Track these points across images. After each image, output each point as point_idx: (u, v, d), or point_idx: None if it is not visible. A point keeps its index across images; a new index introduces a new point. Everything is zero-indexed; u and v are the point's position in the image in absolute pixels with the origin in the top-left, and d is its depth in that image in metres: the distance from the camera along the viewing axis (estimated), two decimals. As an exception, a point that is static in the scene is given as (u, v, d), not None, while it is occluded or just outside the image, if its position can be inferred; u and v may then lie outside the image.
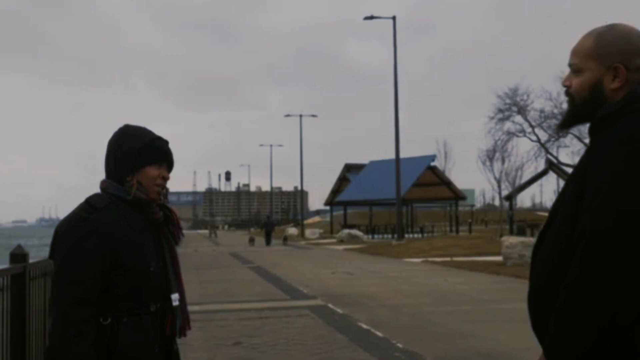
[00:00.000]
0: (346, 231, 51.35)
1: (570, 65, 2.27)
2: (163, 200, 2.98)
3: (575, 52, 2.26)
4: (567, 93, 2.28)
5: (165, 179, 2.95)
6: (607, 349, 1.95)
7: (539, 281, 2.16)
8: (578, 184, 2.09)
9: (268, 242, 48.28)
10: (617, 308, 1.91)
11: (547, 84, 50.28)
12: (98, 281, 2.71)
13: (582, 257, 1.95)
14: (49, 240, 2.94)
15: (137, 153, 2.87)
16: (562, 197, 2.19)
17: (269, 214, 67.85)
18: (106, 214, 2.78)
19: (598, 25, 2.29)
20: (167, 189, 3.00)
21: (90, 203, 2.82)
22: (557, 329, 2.00)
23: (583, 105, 2.22)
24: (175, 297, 2.93)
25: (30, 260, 5.01)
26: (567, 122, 2.35)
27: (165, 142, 2.99)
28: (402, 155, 42.32)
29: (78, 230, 2.73)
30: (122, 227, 2.78)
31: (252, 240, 50.19)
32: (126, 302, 2.76)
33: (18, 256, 4.86)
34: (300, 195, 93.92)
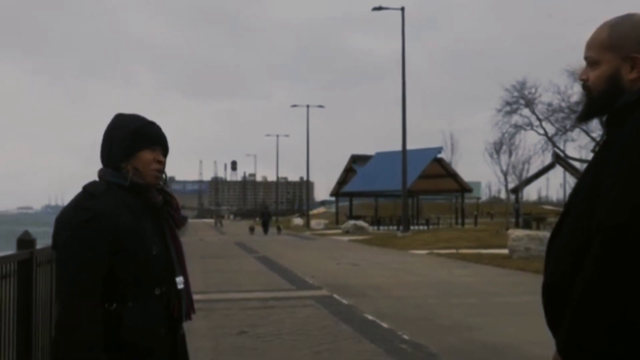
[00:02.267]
0: (351, 222, 51.37)
1: (586, 58, 2.22)
2: (162, 185, 2.98)
3: (590, 45, 2.21)
4: (584, 86, 2.23)
5: (161, 162, 2.94)
6: (621, 343, 1.92)
7: (554, 276, 2.13)
8: (594, 177, 2.05)
9: (265, 231, 51.85)
10: (631, 302, 1.89)
11: (555, 78, 50.11)
12: (102, 267, 2.71)
13: (597, 252, 1.93)
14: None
15: (129, 139, 2.87)
16: (578, 190, 2.15)
17: (266, 205, 71.98)
18: (104, 200, 2.77)
19: (603, 19, 2.25)
20: (166, 174, 2.99)
21: (87, 191, 2.82)
22: (571, 324, 1.97)
23: (601, 98, 2.17)
24: (180, 280, 2.93)
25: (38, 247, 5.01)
26: (585, 115, 2.30)
27: (157, 126, 2.98)
28: (409, 147, 42.27)
29: (78, 218, 2.74)
30: (121, 212, 2.78)
31: (252, 229, 53.21)
32: (130, 287, 2.75)
33: (25, 242, 4.85)
34: (306, 185, 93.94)
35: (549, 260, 2.18)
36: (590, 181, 2.07)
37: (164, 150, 2.98)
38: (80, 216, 2.74)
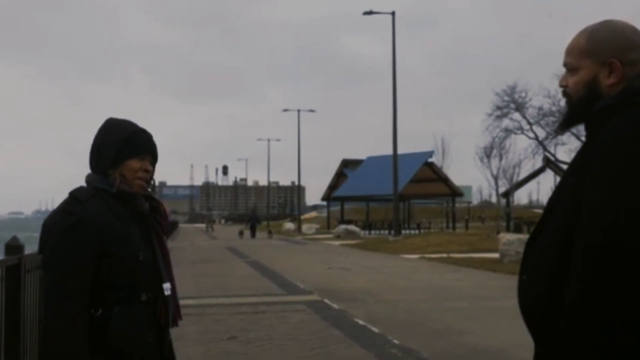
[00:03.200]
0: (343, 227, 51.42)
1: (565, 64, 2.23)
2: (150, 192, 2.99)
3: (568, 51, 2.22)
4: (565, 93, 2.24)
5: (148, 171, 2.94)
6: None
7: (534, 280, 2.12)
8: (576, 179, 2.05)
9: (253, 235, 53.32)
10: (622, 314, 1.86)
11: (546, 82, 50.19)
12: (88, 273, 2.71)
13: (582, 264, 1.91)
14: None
15: (118, 146, 2.87)
16: (559, 192, 2.14)
17: (254, 210, 73.82)
18: (91, 206, 2.78)
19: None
20: (154, 182, 3.01)
21: (74, 196, 2.83)
22: (567, 348, 1.95)
23: (580, 104, 2.18)
24: (167, 286, 2.93)
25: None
26: (566, 123, 2.30)
27: (148, 134, 2.98)
28: (400, 151, 42.30)
29: (64, 223, 2.75)
30: (107, 218, 2.79)
31: (241, 233, 54.58)
32: (117, 292, 2.76)
33: (13, 247, 4.82)
34: (297, 190, 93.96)
35: (528, 260, 2.17)
36: (573, 183, 2.06)
37: (153, 158, 2.98)
38: (66, 221, 2.75)
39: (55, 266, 2.72)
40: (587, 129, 2.17)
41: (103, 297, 2.74)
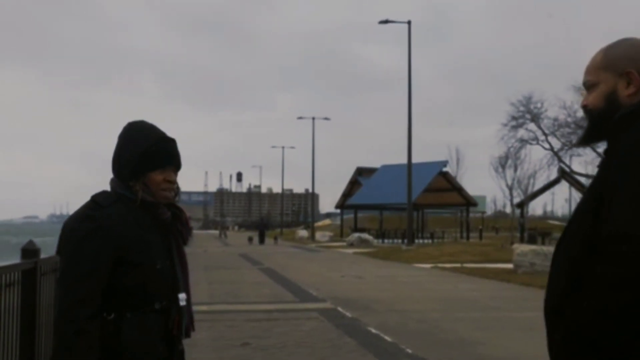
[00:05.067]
0: (356, 235, 51.34)
1: (584, 83, 2.25)
2: (172, 200, 2.94)
3: (587, 70, 2.24)
4: (586, 112, 2.24)
5: (172, 181, 2.89)
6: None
7: (551, 296, 2.12)
8: (595, 189, 2.05)
9: (261, 241, 55.64)
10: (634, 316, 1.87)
11: (561, 93, 50.09)
12: (103, 279, 2.70)
13: (601, 269, 1.90)
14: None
15: (137, 160, 2.82)
16: (581, 205, 2.15)
17: (262, 217, 77.34)
18: (112, 211, 2.76)
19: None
20: (178, 188, 2.94)
21: (95, 201, 2.81)
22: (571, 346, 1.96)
23: (600, 117, 2.18)
24: (182, 296, 2.90)
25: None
26: (586, 137, 2.29)
27: (170, 143, 2.91)
28: (414, 160, 42.23)
29: (83, 228, 2.73)
30: (128, 224, 2.76)
31: (250, 239, 56.61)
32: (130, 299, 2.74)
33: (29, 252, 4.86)
34: (311, 197, 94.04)
35: (550, 273, 2.17)
36: (592, 193, 2.06)
37: (177, 168, 2.92)
38: (86, 226, 2.73)
39: (71, 271, 2.71)
40: (606, 138, 2.17)
41: (117, 302, 2.73)
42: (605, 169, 2.05)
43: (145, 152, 2.82)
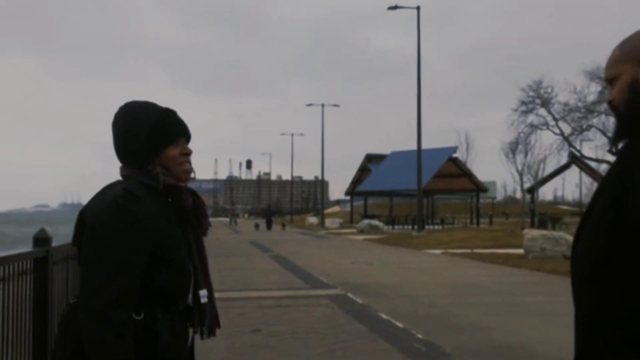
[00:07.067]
0: (366, 221, 51.37)
1: (606, 78, 2.22)
2: (194, 174, 2.71)
3: (607, 65, 2.21)
4: (612, 107, 2.21)
5: (188, 153, 2.65)
6: None
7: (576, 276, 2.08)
8: (619, 174, 2.01)
9: (269, 227, 59.10)
10: None
11: (572, 77, 50.00)
12: (137, 278, 2.46)
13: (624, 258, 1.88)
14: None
15: (148, 137, 2.57)
16: (600, 192, 2.10)
17: (269, 205, 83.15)
18: (147, 204, 2.50)
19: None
20: (193, 168, 2.71)
21: (130, 191, 2.50)
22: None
23: (626, 108, 2.16)
24: (203, 293, 2.69)
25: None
26: (617, 133, 2.25)
27: (174, 113, 2.67)
28: (424, 146, 42.16)
29: (118, 222, 2.44)
30: (160, 217, 2.52)
31: (257, 226, 60.08)
32: (162, 298, 2.53)
33: (41, 240, 4.89)
34: (320, 184, 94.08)
35: (572, 261, 2.13)
36: (612, 184, 2.02)
37: (187, 138, 2.69)
38: (121, 219, 2.45)
39: (104, 268, 2.43)
40: (628, 127, 2.14)
41: (148, 301, 2.50)
42: (631, 153, 2.02)
43: (154, 128, 2.58)
